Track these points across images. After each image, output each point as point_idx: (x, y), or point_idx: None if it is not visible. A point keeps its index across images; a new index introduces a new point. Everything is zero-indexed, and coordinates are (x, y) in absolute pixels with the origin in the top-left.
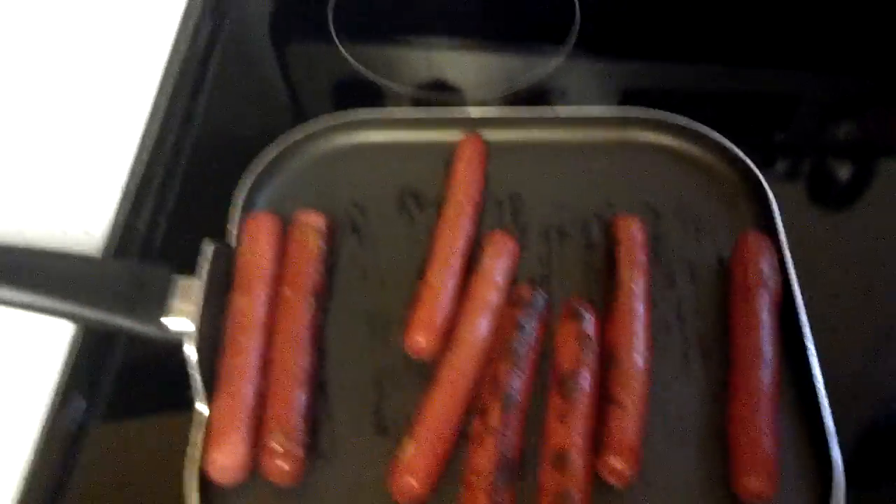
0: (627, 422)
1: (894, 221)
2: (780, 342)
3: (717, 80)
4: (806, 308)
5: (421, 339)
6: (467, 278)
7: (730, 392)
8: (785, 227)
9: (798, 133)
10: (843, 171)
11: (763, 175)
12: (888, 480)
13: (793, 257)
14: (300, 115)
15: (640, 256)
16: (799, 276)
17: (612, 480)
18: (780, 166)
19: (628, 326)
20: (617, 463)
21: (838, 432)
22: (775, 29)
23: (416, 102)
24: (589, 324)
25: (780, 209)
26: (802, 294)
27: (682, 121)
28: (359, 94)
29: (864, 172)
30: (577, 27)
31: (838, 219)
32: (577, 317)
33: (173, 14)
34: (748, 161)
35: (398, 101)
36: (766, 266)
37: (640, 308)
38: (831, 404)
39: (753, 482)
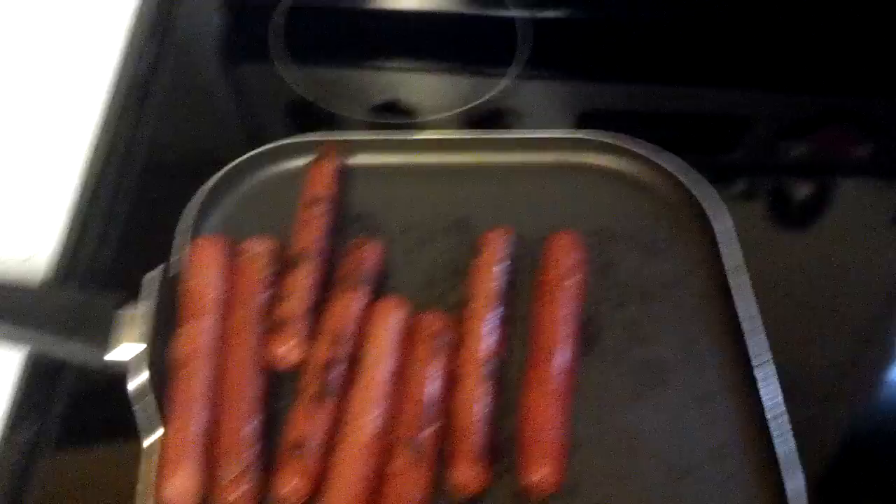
0: None
1: (851, 239)
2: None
3: (671, 101)
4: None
5: None
6: None
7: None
8: (744, 245)
9: (753, 153)
10: (801, 190)
11: (720, 195)
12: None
13: (754, 276)
14: (252, 139)
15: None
16: (760, 296)
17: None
18: (739, 186)
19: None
20: None
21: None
22: (727, 49)
23: (371, 126)
24: None
25: (736, 228)
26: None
27: (627, 141)
28: (312, 117)
29: (821, 191)
30: (524, 49)
31: (798, 237)
32: None
33: (118, 34)
34: (686, 184)
35: (352, 125)
36: (564, 264)
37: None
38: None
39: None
